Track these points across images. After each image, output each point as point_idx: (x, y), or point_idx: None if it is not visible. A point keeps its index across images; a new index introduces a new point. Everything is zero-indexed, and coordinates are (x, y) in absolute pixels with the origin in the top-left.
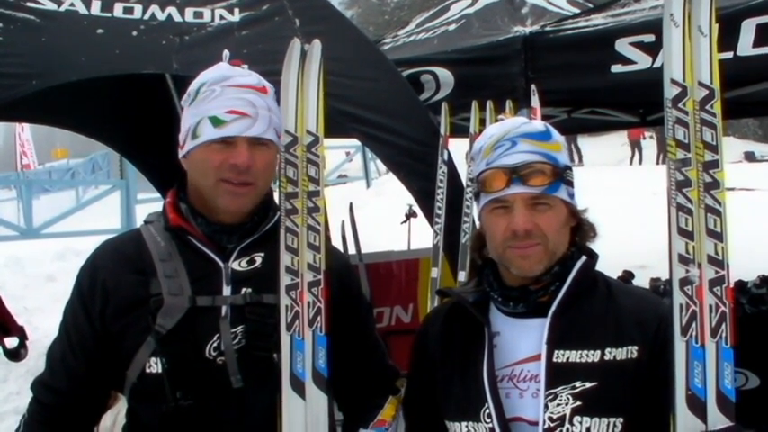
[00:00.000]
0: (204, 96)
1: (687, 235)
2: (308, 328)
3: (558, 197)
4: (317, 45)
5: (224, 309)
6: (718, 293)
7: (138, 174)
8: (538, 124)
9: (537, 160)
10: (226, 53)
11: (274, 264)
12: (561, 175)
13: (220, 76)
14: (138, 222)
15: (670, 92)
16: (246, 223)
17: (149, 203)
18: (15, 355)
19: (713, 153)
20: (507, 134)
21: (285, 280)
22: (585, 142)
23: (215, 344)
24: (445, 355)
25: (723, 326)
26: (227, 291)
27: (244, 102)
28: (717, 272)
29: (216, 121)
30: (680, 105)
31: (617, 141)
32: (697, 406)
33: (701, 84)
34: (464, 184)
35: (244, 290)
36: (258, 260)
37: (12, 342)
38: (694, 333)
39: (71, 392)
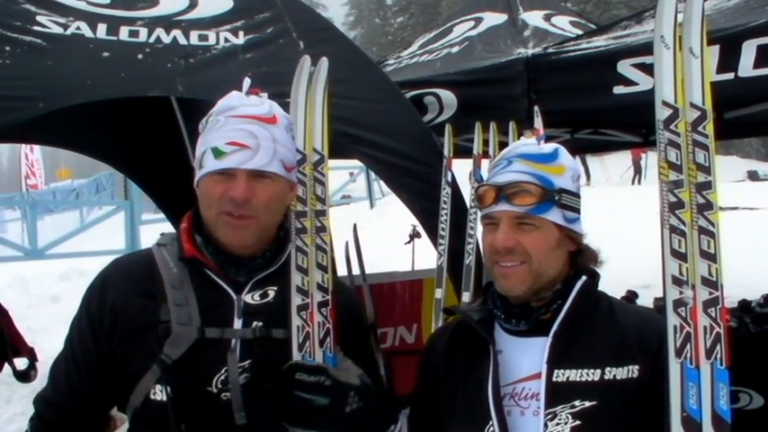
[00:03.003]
0: (210, 126)
1: (680, 256)
2: (319, 349)
3: (547, 219)
4: (324, 63)
5: (233, 341)
6: (713, 314)
7: (142, 194)
8: (546, 146)
9: (525, 180)
10: (246, 81)
11: (286, 298)
12: (553, 198)
13: (226, 106)
14: (143, 242)
15: (662, 113)
16: (257, 258)
17: (153, 224)
18: (25, 376)
19: (706, 174)
20: (507, 153)
21: (296, 300)
22: (590, 162)
23: (222, 377)
24: (449, 371)
25: (718, 347)
26: (238, 323)
27: (245, 133)
28: (711, 293)
29: (217, 153)
30: (672, 127)
31: (622, 161)
32: (693, 427)
33: (692, 105)
34: (468, 205)
35: (254, 323)
36: (271, 294)
37: (22, 363)
38: (689, 355)
39: (73, 409)
